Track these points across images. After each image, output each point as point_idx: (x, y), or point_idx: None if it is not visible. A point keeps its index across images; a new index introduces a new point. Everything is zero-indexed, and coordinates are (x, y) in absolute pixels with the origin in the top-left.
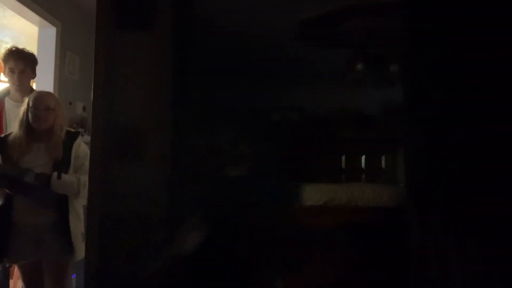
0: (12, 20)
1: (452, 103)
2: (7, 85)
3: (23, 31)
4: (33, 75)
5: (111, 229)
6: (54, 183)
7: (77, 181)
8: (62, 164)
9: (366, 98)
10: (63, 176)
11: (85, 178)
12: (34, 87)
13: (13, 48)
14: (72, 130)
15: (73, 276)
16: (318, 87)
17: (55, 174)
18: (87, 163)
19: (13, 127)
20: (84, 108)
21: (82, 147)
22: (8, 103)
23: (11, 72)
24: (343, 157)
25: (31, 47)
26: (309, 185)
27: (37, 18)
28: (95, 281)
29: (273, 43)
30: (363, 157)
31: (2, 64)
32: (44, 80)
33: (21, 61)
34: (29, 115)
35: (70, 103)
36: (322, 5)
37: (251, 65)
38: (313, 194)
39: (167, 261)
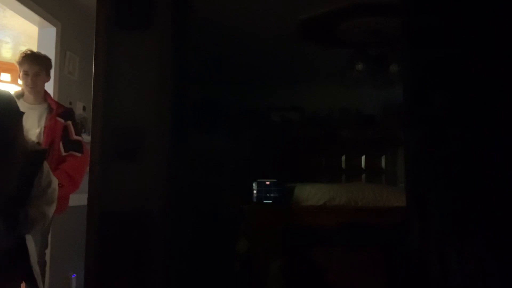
0: (12, 20)
1: (451, 103)
2: (13, 86)
3: (23, 31)
4: (47, 78)
5: (110, 228)
6: (21, 226)
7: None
8: (21, 196)
9: (366, 98)
10: (30, 213)
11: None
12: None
13: (28, 52)
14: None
15: (73, 276)
16: (318, 87)
17: (22, 216)
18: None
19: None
20: (84, 108)
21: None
22: (21, 105)
23: (25, 75)
24: (343, 157)
25: (31, 47)
26: (309, 185)
27: (37, 18)
28: (95, 281)
29: (273, 43)
30: (363, 157)
31: (17, 67)
32: None
33: (36, 65)
34: None
35: (70, 103)
36: (323, 5)
37: (251, 64)
38: (313, 194)
39: (167, 260)
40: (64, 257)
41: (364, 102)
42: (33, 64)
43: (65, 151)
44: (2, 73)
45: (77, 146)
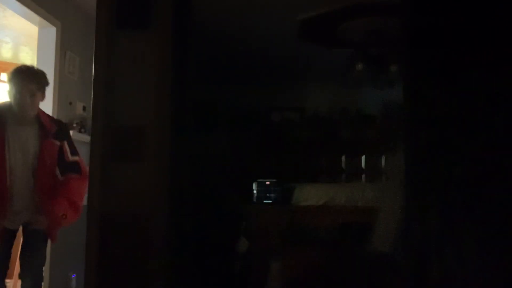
0: (12, 20)
1: (451, 103)
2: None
3: (23, 31)
4: (42, 97)
5: (111, 228)
6: None
7: None
8: None
9: (366, 98)
10: None
11: None
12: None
13: (23, 67)
14: None
15: (73, 276)
16: (318, 87)
17: None
18: None
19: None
20: (84, 108)
21: None
22: (14, 121)
23: (18, 94)
24: (343, 157)
25: (31, 47)
26: (309, 185)
27: (37, 18)
28: (95, 281)
29: (273, 43)
30: (363, 157)
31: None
32: None
33: (33, 83)
34: None
35: (70, 103)
36: (323, 5)
37: (251, 65)
38: (313, 194)
39: (167, 260)
40: (64, 257)
41: (364, 102)
42: (30, 82)
43: (62, 175)
44: (2, 73)
45: (74, 167)
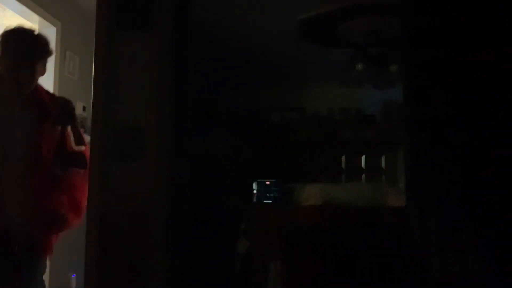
0: (12, 20)
1: (452, 103)
2: None
3: None
4: (43, 70)
5: (111, 228)
6: None
7: None
8: None
9: (366, 98)
10: None
11: None
12: None
13: (20, 29)
14: None
15: (73, 276)
16: (318, 87)
17: None
18: None
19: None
20: (84, 108)
21: None
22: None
23: (14, 65)
24: (343, 157)
25: None
26: (309, 185)
27: (37, 18)
28: (95, 281)
29: (273, 43)
30: (363, 157)
31: None
32: (44, 80)
33: (31, 52)
34: None
35: None
36: (323, 5)
37: (251, 65)
38: (313, 194)
39: (167, 260)
40: (64, 257)
41: (364, 102)
42: (28, 50)
43: (62, 169)
44: None
45: (78, 159)
